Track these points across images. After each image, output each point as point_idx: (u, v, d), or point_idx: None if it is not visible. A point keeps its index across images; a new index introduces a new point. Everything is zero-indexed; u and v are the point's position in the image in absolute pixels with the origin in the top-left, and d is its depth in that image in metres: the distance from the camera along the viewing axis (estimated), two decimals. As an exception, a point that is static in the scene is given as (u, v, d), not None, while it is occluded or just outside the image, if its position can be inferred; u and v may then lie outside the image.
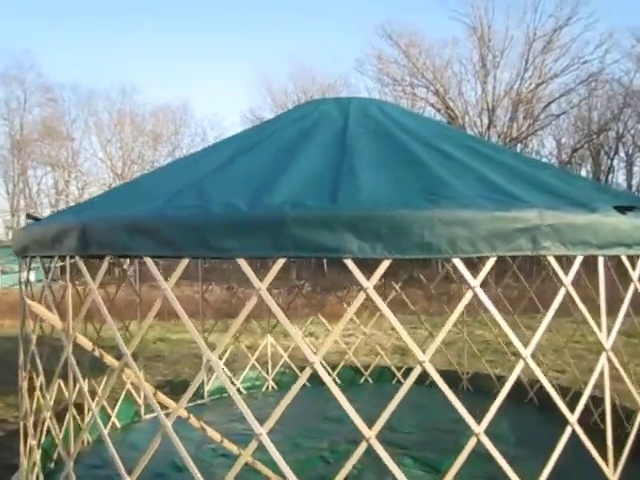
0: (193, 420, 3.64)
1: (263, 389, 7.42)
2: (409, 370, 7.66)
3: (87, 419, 5.15)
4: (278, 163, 3.19)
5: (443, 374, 7.70)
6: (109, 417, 5.76)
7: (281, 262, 2.50)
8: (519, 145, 30.48)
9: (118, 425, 5.86)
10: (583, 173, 34.86)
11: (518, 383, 6.30)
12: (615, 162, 33.25)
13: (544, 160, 34.44)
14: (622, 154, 33.26)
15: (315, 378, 7.96)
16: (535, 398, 6.22)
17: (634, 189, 33.81)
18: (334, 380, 7.60)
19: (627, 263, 2.81)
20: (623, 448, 2.77)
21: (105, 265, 2.78)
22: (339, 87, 34.93)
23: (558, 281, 2.61)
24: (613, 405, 2.76)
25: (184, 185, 3.08)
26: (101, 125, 38.44)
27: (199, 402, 6.78)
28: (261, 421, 6.55)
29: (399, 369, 7.60)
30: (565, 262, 2.81)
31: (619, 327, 2.77)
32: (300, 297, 12.18)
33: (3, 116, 38.64)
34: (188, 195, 2.90)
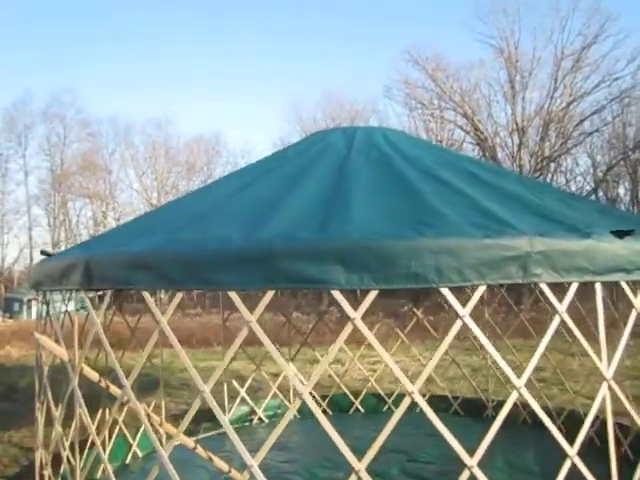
0: (200, 450, 3.67)
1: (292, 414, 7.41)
2: (432, 398, 7.53)
3: (87, 453, 5.26)
4: (277, 195, 3.27)
5: (468, 402, 7.59)
6: (130, 446, 5.83)
7: (270, 294, 2.54)
8: (552, 164, 29.99)
9: (140, 454, 5.93)
10: (621, 191, 33.98)
11: (546, 410, 6.23)
12: (654, 179, 32.29)
13: (578, 179, 33.79)
14: (661, 170, 32.31)
15: (336, 407, 7.91)
16: (562, 427, 6.04)
17: (675, 206, 32.70)
18: (357, 408, 7.53)
19: (627, 289, 2.74)
20: (623, 466, 2.68)
21: (107, 299, 2.88)
22: (367, 113, 35.24)
23: (552, 309, 2.57)
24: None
25: (186, 220, 3.18)
26: (137, 157, 39.70)
27: (220, 431, 6.80)
28: (283, 450, 6.53)
29: (424, 396, 7.46)
30: (560, 287, 2.76)
31: (620, 356, 2.69)
32: (331, 323, 12.18)
33: (45, 152, 40.36)
34: (188, 230, 2.99)
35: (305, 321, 15.20)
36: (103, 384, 3.38)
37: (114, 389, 3.27)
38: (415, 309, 10.43)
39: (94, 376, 3.37)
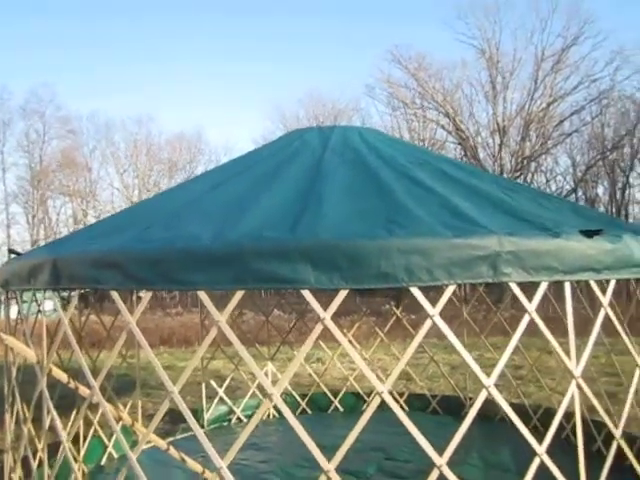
0: (173, 451, 3.63)
1: (264, 417, 7.35)
2: (412, 396, 7.57)
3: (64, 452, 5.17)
4: (250, 194, 3.24)
5: (447, 400, 7.65)
6: (106, 447, 5.75)
7: (240, 294, 2.52)
8: (532, 164, 30.31)
9: (115, 455, 5.86)
10: (599, 190, 34.48)
11: (523, 408, 6.29)
12: (631, 178, 32.85)
13: (558, 178, 34.22)
14: (638, 170, 32.85)
15: (315, 406, 7.91)
16: (538, 424, 6.10)
17: (652, 205, 33.28)
18: (336, 407, 7.53)
19: (596, 288, 2.76)
20: (594, 463, 2.70)
21: (76, 299, 2.83)
22: (350, 112, 35.23)
23: (522, 308, 2.58)
24: (583, 420, 2.68)
25: (157, 218, 3.14)
26: (118, 155, 39.26)
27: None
28: (260, 450, 6.50)
29: (401, 395, 7.49)
30: (534, 286, 2.77)
31: (589, 354, 2.71)
32: (312, 322, 12.14)
33: (23, 148, 39.69)
34: (158, 229, 2.95)
35: (287, 320, 15.15)
36: (72, 385, 3.32)
37: (83, 390, 3.22)
38: (396, 308, 10.48)
39: (63, 377, 3.31)
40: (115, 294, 2.72)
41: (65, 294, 5.06)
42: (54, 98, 39.95)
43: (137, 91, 56.73)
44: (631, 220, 30.96)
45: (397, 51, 29.32)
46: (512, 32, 28.67)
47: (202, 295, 2.55)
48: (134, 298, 5.67)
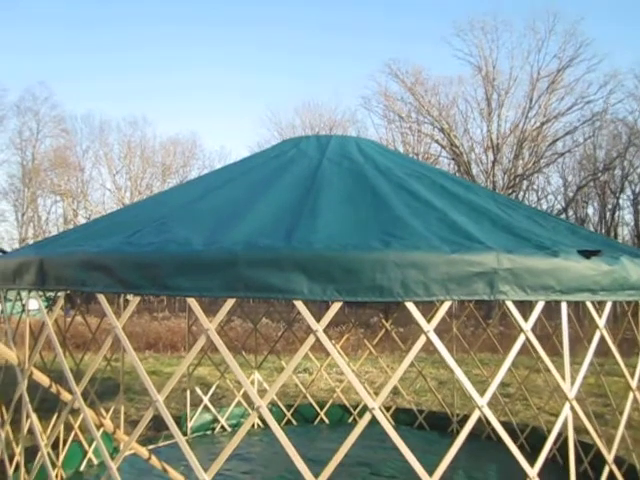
0: (154, 460, 3.54)
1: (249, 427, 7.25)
2: (398, 411, 7.49)
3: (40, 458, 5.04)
4: (244, 201, 3.18)
5: (434, 416, 7.56)
6: (85, 453, 5.63)
7: (231, 302, 2.45)
8: (525, 182, 30.50)
9: (95, 462, 5.73)
10: (590, 211, 34.77)
11: (510, 427, 6.25)
12: (621, 200, 33.17)
13: (550, 197, 34.47)
14: (628, 192, 33.20)
15: (301, 417, 7.80)
16: (525, 443, 6.05)
17: (641, 227, 33.58)
18: (322, 419, 7.43)
19: (592, 309, 2.73)
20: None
21: (62, 300, 2.75)
22: (346, 123, 35.31)
23: (511, 325, 2.54)
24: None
25: (147, 222, 3.07)
26: (111, 156, 39.04)
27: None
28: (245, 461, 6.39)
29: (388, 409, 7.42)
30: (526, 303, 2.73)
31: (583, 376, 2.68)
32: (301, 332, 12.07)
33: (16, 146, 39.39)
34: (148, 233, 2.88)
35: (275, 328, 15.03)
36: (54, 390, 3.23)
37: (65, 395, 3.13)
38: (384, 320, 10.42)
39: (45, 381, 3.22)
40: (102, 297, 2.65)
41: (51, 294, 4.96)
42: (49, 97, 39.81)
43: (133, 94, 56.65)
44: (620, 241, 31.19)
45: (394, 65, 29.49)
46: (509, 51, 28.97)
47: (191, 302, 2.48)
48: (121, 301, 5.57)
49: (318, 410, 7.48)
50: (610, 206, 32.88)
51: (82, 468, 5.55)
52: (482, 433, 6.01)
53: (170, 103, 57.90)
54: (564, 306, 2.66)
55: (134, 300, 2.59)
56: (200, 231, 2.76)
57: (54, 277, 2.80)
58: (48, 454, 4.94)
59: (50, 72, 54.36)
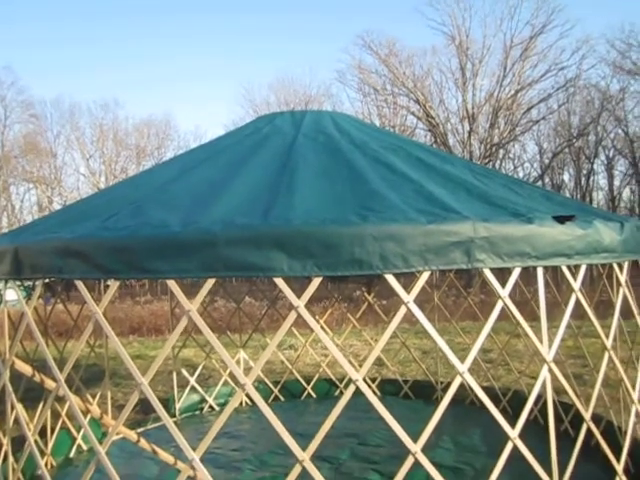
0: (143, 442, 3.56)
1: (236, 406, 7.30)
2: (384, 381, 7.62)
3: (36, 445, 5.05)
4: (220, 180, 3.15)
5: (418, 385, 7.70)
6: (74, 439, 5.63)
7: (211, 282, 2.45)
8: (501, 151, 30.71)
9: (84, 447, 5.74)
10: (565, 177, 35.24)
11: (492, 391, 6.41)
12: (596, 165, 33.65)
13: (526, 165, 34.81)
14: (602, 157, 33.68)
15: (288, 393, 7.89)
16: (508, 406, 6.21)
17: (615, 192, 34.19)
18: (309, 393, 7.53)
19: (567, 274, 2.78)
20: (562, 443, 2.75)
21: (39, 289, 2.72)
22: (321, 98, 35.02)
23: (491, 293, 2.58)
24: (552, 402, 2.72)
25: (122, 206, 3.03)
26: (83, 140, 38.28)
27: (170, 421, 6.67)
28: (234, 438, 6.45)
29: (374, 380, 7.54)
30: (505, 271, 2.77)
31: (560, 338, 2.74)
32: (284, 309, 12.11)
33: (-17, 133, 38.34)
34: (124, 216, 2.85)
35: (258, 307, 15.08)
36: (37, 378, 3.21)
37: (49, 383, 3.12)
38: (367, 294, 10.52)
39: (27, 370, 3.19)
40: (80, 284, 2.63)
41: (30, 284, 4.91)
42: (15, 81, 38.71)
43: (103, 76, 55.37)
44: (595, 206, 31.74)
45: (368, 37, 29.21)
46: (482, 19, 28.92)
47: (171, 284, 2.47)
48: (102, 287, 5.53)
49: (305, 385, 7.57)
50: (585, 172, 33.36)
51: (72, 455, 5.56)
52: (466, 399, 6.15)
53: (142, 84, 56.78)
54: (540, 271, 2.71)
55: (113, 285, 2.57)
56: (176, 212, 2.74)
57: (30, 266, 2.76)
58: (36, 442, 4.96)
59: (14, 57, 52.76)
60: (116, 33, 55.60)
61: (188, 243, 2.46)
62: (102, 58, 55.50)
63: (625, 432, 3.22)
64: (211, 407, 7.16)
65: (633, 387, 3.28)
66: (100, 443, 2.69)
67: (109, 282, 2.77)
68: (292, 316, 2.42)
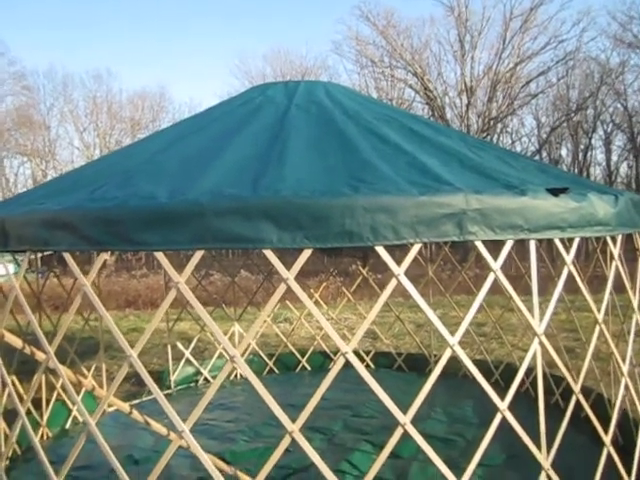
0: (136, 414, 3.58)
1: (231, 378, 7.36)
2: (378, 354, 7.67)
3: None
4: (210, 151, 3.10)
5: (412, 358, 7.75)
6: (70, 411, 5.68)
7: (199, 254, 2.42)
8: (499, 125, 30.47)
9: (80, 419, 5.79)
10: (563, 152, 35.06)
11: (485, 364, 6.46)
12: (594, 140, 33.45)
13: (524, 139, 34.60)
14: (600, 132, 33.47)
15: (283, 366, 7.92)
16: (500, 379, 6.27)
17: (612, 167, 34.09)
18: (304, 366, 7.58)
19: (560, 246, 2.76)
20: (553, 415, 2.78)
21: (26, 262, 2.69)
22: (318, 70, 34.55)
23: (486, 267, 2.56)
24: (543, 375, 2.74)
25: (111, 177, 2.98)
26: (77, 113, 37.81)
27: (165, 392, 6.73)
28: (228, 410, 6.50)
29: (367, 353, 7.59)
30: (499, 245, 2.75)
31: (551, 312, 2.74)
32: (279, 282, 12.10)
33: (-25, 106, 37.78)
34: (112, 188, 2.80)
35: (254, 281, 15.08)
36: (28, 351, 3.21)
37: (39, 355, 3.11)
38: (362, 268, 10.53)
39: (17, 343, 3.19)
40: (68, 256, 2.60)
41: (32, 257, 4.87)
42: (6, 52, 37.94)
43: (96, 46, 54.43)
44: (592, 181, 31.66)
45: (365, 7, 28.66)
46: (481, -11, 28.27)
47: (159, 256, 2.44)
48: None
49: (299, 358, 7.63)
50: (583, 146, 33.15)
51: (68, 426, 5.61)
52: (459, 371, 6.20)
53: (135, 55, 55.88)
54: (532, 244, 2.69)
55: (101, 256, 2.54)
56: (165, 183, 2.69)
57: (16, 237, 2.72)
58: (30, 413, 4.99)
59: (4, 27, 51.67)
60: (109, 2, 54.48)
61: (176, 214, 2.42)
62: (94, 27, 54.50)
63: (614, 404, 3.24)
64: (206, 379, 7.21)
65: (623, 360, 3.29)
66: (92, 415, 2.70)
67: (106, 256, 2.74)
68: (282, 288, 2.40)
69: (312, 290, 8.28)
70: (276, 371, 7.52)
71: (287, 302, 7.74)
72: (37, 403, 5.27)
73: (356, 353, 7.51)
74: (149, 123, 38.93)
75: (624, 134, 32.54)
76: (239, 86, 34.92)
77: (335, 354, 7.67)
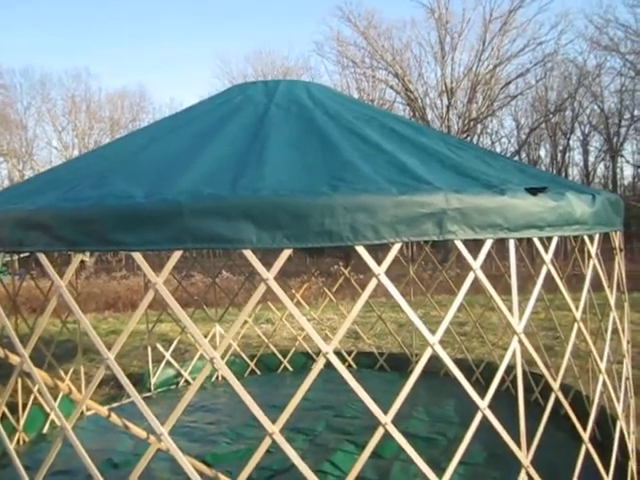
0: (114, 417, 3.52)
1: (212, 379, 7.30)
2: (360, 354, 7.67)
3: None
4: (188, 151, 3.06)
5: (394, 357, 7.75)
6: (47, 415, 5.57)
7: (178, 254, 2.39)
8: (479, 126, 30.77)
9: (58, 423, 5.68)
10: (542, 153, 35.55)
11: (466, 363, 6.50)
12: (571, 141, 33.96)
13: (503, 140, 35.00)
14: (578, 133, 33.99)
15: (265, 367, 7.87)
16: (480, 378, 6.31)
17: (590, 168, 34.64)
18: (285, 367, 7.55)
19: (539, 245, 2.78)
20: (532, 412, 2.78)
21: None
22: (299, 70, 34.56)
23: (467, 266, 2.57)
24: (522, 373, 2.76)
25: (86, 176, 2.93)
26: (55, 112, 37.30)
27: (146, 395, 6.65)
28: (210, 412, 6.42)
29: (349, 353, 7.59)
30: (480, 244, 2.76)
31: (530, 310, 2.76)
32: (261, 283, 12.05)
33: (-50, 105, 37.04)
34: (88, 187, 2.75)
35: (235, 282, 15.01)
36: (1, 354, 3.13)
37: (13, 358, 3.04)
38: (344, 268, 10.53)
39: (-9, 346, 3.11)
40: (43, 257, 2.54)
41: (8, 258, 4.76)
42: (-19, 50, 37.29)
43: (74, 45, 53.72)
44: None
45: (346, 8, 28.77)
46: (461, -8, 28.50)
47: (137, 256, 2.40)
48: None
49: (281, 358, 7.60)
50: (561, 147, 33.65)
51: (45, 430, 5.51)
52: (440, 370, 6.23)
53: (115, 54, 55.28)
54: (512, 243, 2.71)
55: (77, 257, 2.49)
56: (142, 183, 2.65)
57: (-11, 238, 2.65)
58: (6, 418, 4.88)
59: (-20, 23, 50.78)
60: (88, 2, 53.82)
61: (153, 214, 2.38)
62: (73, 26, 53.79)
63: (592, 401, 3.28)
64: (187, 381, 7.14)
65: (601, 358, 3.33)
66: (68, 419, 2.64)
67: (85, 258, 2.66)
68: (262, 289, 2.38)
69: (294, 290, 8.25)
70: (258, 372, 7.48)
71: (269, 303, 7.70)
72: (14, 407, 5.17)
73: (338, 353, 7.51)
74: (129, 123, 38.57)
75: (601, 135, 33.10)
76: (221, 86, 34.75)
77: (317, 354, 7.65)
